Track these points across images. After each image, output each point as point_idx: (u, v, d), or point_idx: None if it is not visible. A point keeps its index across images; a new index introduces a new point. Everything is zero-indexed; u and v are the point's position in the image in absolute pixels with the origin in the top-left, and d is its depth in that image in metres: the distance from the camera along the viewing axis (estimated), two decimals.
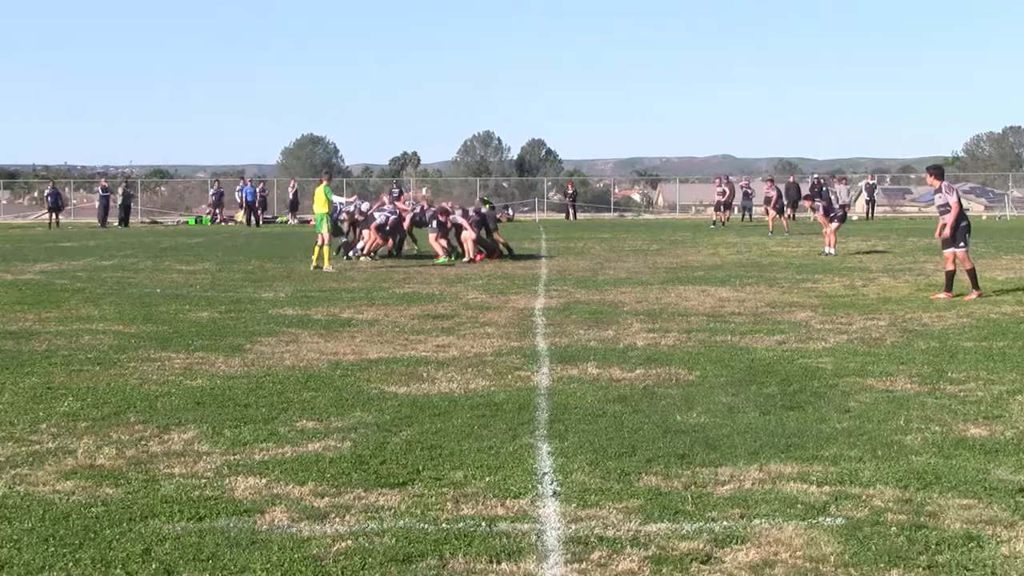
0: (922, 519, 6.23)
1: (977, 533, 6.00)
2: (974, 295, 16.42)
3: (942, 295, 16.54)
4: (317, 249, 23.58)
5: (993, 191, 72.65)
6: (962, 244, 16.77)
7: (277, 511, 6.49)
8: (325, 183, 25.13)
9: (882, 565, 5.55)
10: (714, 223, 43.73)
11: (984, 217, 53.58)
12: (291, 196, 55.05)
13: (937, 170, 17.75)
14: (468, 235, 25.47)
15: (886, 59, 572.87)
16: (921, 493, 6.73)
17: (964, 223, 16.91)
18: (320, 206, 24.47)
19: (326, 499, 6.73)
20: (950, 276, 16.75)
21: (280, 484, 7.05)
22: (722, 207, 45.38)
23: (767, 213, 41.53)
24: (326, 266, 23.12)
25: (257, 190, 51.93)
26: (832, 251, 26.10)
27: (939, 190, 17.06)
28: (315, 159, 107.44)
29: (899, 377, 10.42)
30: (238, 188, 54.29)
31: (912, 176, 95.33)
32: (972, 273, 16.77)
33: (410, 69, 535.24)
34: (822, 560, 5.63)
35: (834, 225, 26.90)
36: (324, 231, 23.82)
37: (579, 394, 9.79)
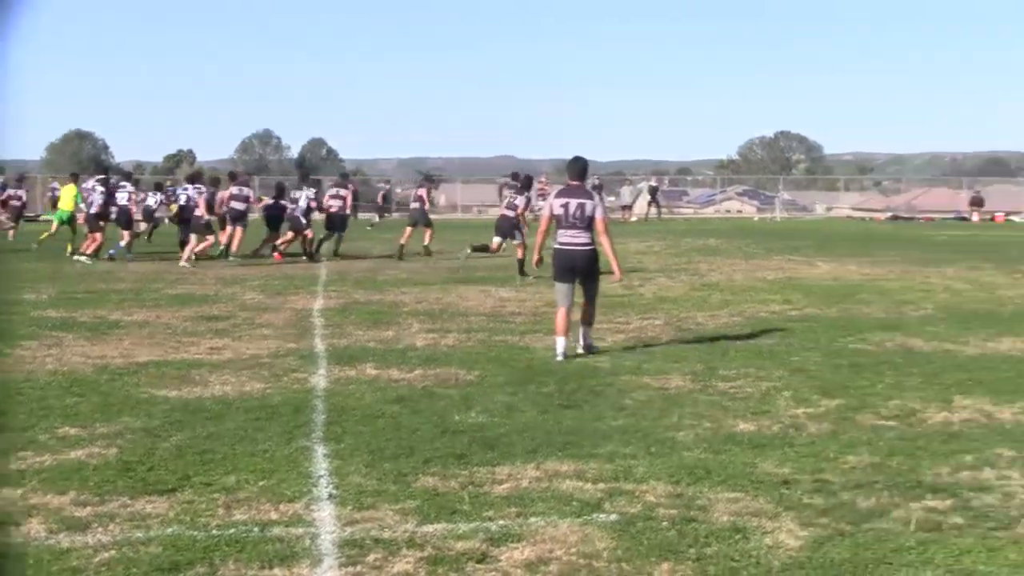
0: (692, 513, 6.36)
1: (743, 525, 6.17)
2: None
3: None
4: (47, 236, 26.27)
5: (764, 193, 75.57)
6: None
7: (33, 523, 6.14)
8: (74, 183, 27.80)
9: (653, 559, 5.64)
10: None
11: (756, 219, 55.80)
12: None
13: None
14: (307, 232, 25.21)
15: (666, 59, 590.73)
16: (692, 488, 6.88)
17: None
18: (67, 204, 26.88)
19: (88, 508, 6.41)
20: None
21: (38, 494, 6.68)
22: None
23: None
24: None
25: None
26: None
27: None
28: (82, 155, 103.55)
29: (673, 375, 10.67)
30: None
31: (688, 178, 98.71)
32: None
33: (183, 66, 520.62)
34: (595, 556, 5.68)
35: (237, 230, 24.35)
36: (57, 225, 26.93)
37: (357, 395, 9.67)
